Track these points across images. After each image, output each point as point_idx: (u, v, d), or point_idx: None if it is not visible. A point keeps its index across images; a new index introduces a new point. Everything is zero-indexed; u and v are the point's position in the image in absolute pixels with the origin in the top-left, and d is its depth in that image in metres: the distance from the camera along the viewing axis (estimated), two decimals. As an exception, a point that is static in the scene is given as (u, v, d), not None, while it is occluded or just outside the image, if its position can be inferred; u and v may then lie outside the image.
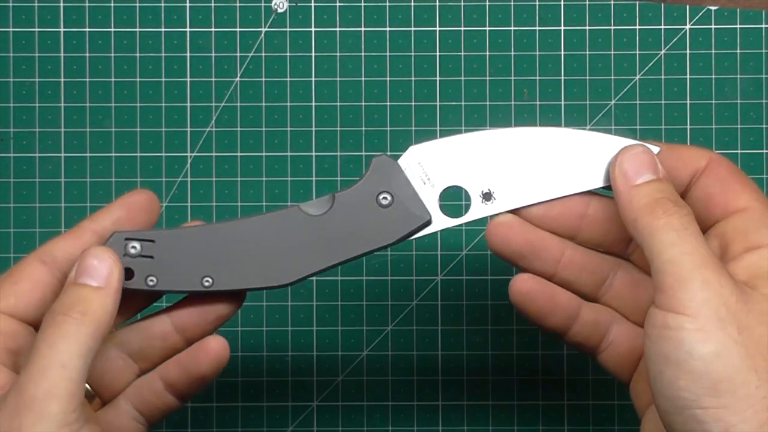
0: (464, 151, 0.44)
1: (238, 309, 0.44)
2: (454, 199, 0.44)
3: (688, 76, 0.56)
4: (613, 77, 0.56)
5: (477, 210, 0.44)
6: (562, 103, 0.56)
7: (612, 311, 0.45)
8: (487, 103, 0.56)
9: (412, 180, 0.43)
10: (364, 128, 0.56)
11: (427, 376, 0.56)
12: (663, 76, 0.56)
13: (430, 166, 0.43)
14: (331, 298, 0.56)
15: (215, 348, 0.43)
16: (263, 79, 0.56)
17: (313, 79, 0.56)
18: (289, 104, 0.56)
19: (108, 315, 0.40)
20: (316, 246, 0.43)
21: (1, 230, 0.56)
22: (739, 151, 0.56)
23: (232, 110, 0.56)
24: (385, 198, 0.43)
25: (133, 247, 0.42)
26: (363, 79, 0.56)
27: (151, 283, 0.42)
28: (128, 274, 0.42)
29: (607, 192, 0.43)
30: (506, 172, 0.44)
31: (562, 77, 0.56)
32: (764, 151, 0.56)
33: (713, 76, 0.56)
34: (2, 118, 0.56)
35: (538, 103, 0.56)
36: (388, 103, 0.56)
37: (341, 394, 0.56)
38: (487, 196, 0.44)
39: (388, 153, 0.54)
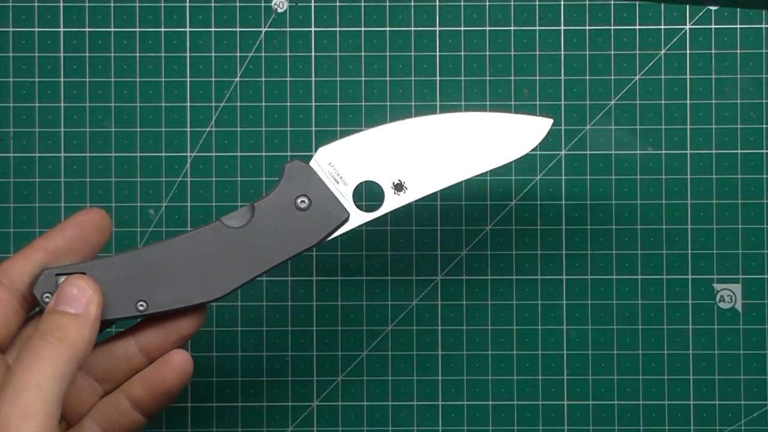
0: (371, 146, 0.45)
1: (200, 325, 0.45)
2: (368, 193, 0.45)
3: (688, 76, 0.56)
4: (613, 77, 0.56)
5: (390, 201, 0.45)
6: (562, 103, 0.56)
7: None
8: (487, 103, 0.56)
9: (325, 180, 0.45)
10: (364, 128, 0.56)
11: (427, 376, 0.56)
12: (663, 76, 0.56)
13: (341, 164, 0.45)
14: (331, 298, 0.56)
15: (179, 362, 0.44)
16: (263, 79, 0.56)
17: (313, 79, 0.56)
18: (289, 104, 0.56)
19: (85, 342, 0.40)
20: (242, 257, 0.44)
21: (1, 230, 0.56)
22: (739, 151, 0.56)
23: (232, 110, 0.56)
24: (302, 201, 0.44)
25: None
26: (363, 79, 0.56)
27: None
28: None
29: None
30: (414, 162, 0.45)
31: (562, 77, 0.56)
32: (764, 151, 0.56)
33: (713, 76, 0.56)
34: (2, 118, 0.56)
35: (538, 103, 0.56)
36: (388, 103, 0.56)
37: (341, 394, 0.56)
38: (398, 187, 0.45)
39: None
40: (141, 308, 0.43)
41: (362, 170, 0.45)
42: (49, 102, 0.56)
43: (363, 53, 0.56)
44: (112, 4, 0.56)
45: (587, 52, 0.56)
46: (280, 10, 0.56)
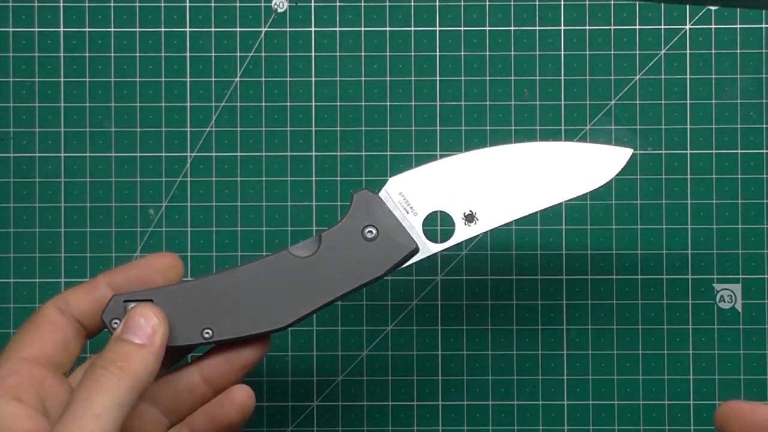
0: (442, 176, 0.45)
1: (263, 354, 0.45)
2: (438, 224, 0.45)
3: (688, 76, 0.56)
4: (613, 77, 0.56)
5: (461, 232, 0.45)
6: (562, 103, 0.56)
7: None
8: (487, 103, 0.56)
9: (394, 210, 0.44)
10: (364, 128, 0.56)
11: (427, 376, 0.56)
12: (663, 76, 0.56)
13: (411, 194, 0.44)
14: (331, 298, 0.56)
15: (241, 397, 0.44)
16: (263, 79, 0.56)
17: (313, 79, 0.56)
18: (289, 104, 0.56)
19: (148, 372, 0.40)
20: (308, 287, 0.44)
21: (1, 230, 0.56)
22: (739, 151, 0.56)
23: (232, 110, 0.56)
24: (370, 231, 0.44)
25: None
26: (363, 79, 0.56)
27: None
28: None
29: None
30: (486, 192, 0.44)
31: (562, 77, 0.56)
32: (764, 151, 0.56)
33: (713, 76, 0.56)
34: (2, 118, 0.56)
35: (538, 103, 0.56)
36: (388, 103, 0.56)
37: (341, 394, 0.56)
38: (469, 218, 0.45)
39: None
40: (207, 335, 0.44)
41: (433, 200, 0.44)
42: (49, 102, 0.56)
43: (363, 53, 0.56)
44: (112, 4, 0.56)
45: (587, 52, 0.56)
46: (280, 10, 0.56)
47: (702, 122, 0.56)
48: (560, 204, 0.55)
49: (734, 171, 0.56)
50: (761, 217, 0.56)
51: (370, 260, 0.44)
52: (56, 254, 0.56)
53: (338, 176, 0.56)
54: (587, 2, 0.56)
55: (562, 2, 0.56)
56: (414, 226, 0.44)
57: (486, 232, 0.45)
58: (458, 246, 0.55)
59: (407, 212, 0.44)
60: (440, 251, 0.45)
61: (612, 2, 0.56)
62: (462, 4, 0.56)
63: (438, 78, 0.56)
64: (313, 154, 0.56)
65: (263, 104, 0.56)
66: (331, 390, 0.56)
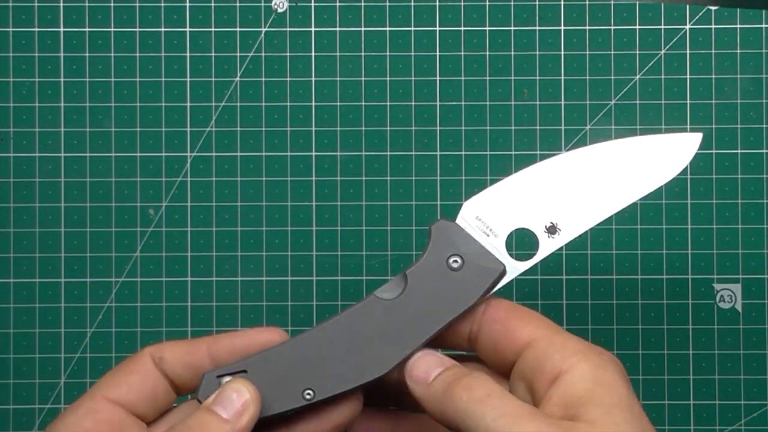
0: (516, 193, 0.44)
1: (358, 411, 0.44)
2: (521, 240, 0.44)
3: (688, 76, 0.56)
4: (613, 77, 0.56)
5: (546, 246, 0.44)
6: (562, 103, 0.56)
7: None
8: (487, 103, 0.56)
9: (475, 235, 0.43)
10: (364, 128, 0.56)
11: None
12: (663, 76, 0.56)
13: (488, 216, 0.43)
14: (331, 298, 0.56)
15: None
16: (263, 79, 0.56)
17: (313, 79, 0.56)
18: (289, 104, 0.56)
19: None
20: (402, 328, 0.43)
21: (1, 230, 0.56)
22: (739, 151, 0.56)
23: (232, 110, 0.56)
24: (455, 261, 0.43)
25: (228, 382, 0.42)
26: (363, 79, 0.56)
27: None
28: None
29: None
30: (564, 201, 0.43)
31: (562, 77, 0.56)
32: (764, 151, 0.56)
33: (713, 76, 0.56)
34: (2, 118, 0.56)
35: (538, 103, 0.56)
36: (388, 103, 0.56)
37: (341, 394, 0.56)
38: (552, 230, 0.44)
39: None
40: (308, 397, 0.42)
41: (512, 219, 0.43)
42: (49, 102, 0.56)
43: (363, 53, 0.56)
44: (112, 4, 0.56)
45: (587, 52, 0.56)
46: (280, 10, 0.56)
47: (702, 122, 0.56)
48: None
49: (734, 171, 0.56)
50: (761, 217, 0.56)
51: (460, 290, 0.43)
52: (56, 254, 0.56)
53: (338, 176, 0.56)
54: (587, 2, 0.56)
55: (562, 2, 0.56)
56: (497, 247, 0.43)
57: (570, 241, 0.44)
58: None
59: (487, 235, 0.43)
60: (528, 268, 0.44)
61: (612, 2, 0.56)
62: (462, 4, 0.56)
63: (438, 78, 0.56)
64: (313, 154, 0.56)
65: (263, 104, 0.56)
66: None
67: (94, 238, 0.56)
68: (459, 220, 0.43)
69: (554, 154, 0.56)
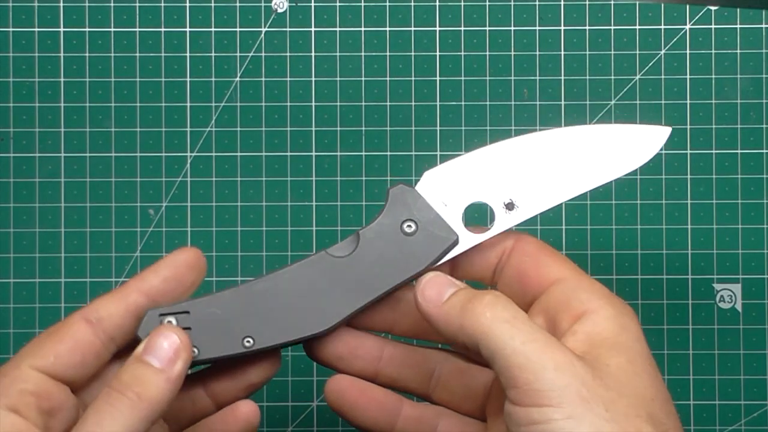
0: (478, 167, 0.44)
1: (273, 374, 0.44)
2: (477, 214, 0.44)
3: (688, 76, 0.56)
4: (613, 77, 0.56)
5: (502, 221, 0.44)
6: (562, 103, 0.56)
7: (437, 408, 0.45)
8: (487, 103, 0.56)
9: (432, 203, 0.43)
10: (364, 128, 0.56)
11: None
12: (663, 76, 0.56)
13: (447, 187, 0.43)
14: (331, 298, 0.56)
15: (246, 413, 0.43)
16: (263, 79, 0.56)
17: (313, 79, 0.56)
18: (289, 104, 0.56)
19: (164, 401, 0.39)
20: (349, 287, 0.43)
21: (1, 230, 0.56)
22: (739, 151, 0.56)
23: (232, 110, 0.56)
24: (409, 226, 0.43)
25: (169, 322, 0.42)
26: (363, 79, 0.56)
27: (193, 354, 0.42)
28: None
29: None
30: (524, 180, 0.44)
31: (562, 77, 0.56)
32: (764, 151, 0.56)
33: (713, 76, 0.56)
34: (2, 118, 0.56)
35: (538, 103, 0.56)
36: (388, 103, 0.56)
37: (341, 394, 0.56)
38: (509, 206, 0.44)
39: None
40: (247, 344, 0.42)
41: (470, 192, 0.43)
42: (49, 102, 0.56)
43: (363, 53, 0.56)
44: (112, 4, 0.56)
45: (587, 52, 0.56)
46: (280, 10, 0.56)
47: (702, 122, 0.56)
48: (560, 204, 0.55)
49: (734, 171, 0.56)
50: (761, 217, 0.56)
51: (411, 255, 0.43)
52: (56, 254, 0.56)
53: (338, 176, 0.56)
54: (587, 2, 0.56)
55: (562, 2, 0.56)
56: (453, 217, 0.43)
57: (527, 219, 0.44)
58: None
59: (445, 205, 0.43)
60: (481, 242, 0.44)
61: (612, 2, 0.56)
62: (462, 4, 0.56)
63: (438, 78, 0.56)
64: (313, 154, 0.56)
65: (263, 104, 0.56)
66: (331, 390, 0.56)
67: (94, 238, 0.56)
68: (418, 187, 0.43)
69: (554, 154, 0.56)
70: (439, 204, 0.43)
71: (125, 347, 0.42)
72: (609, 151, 0.43)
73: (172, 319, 0.42)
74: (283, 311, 0.43)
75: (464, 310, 0.39)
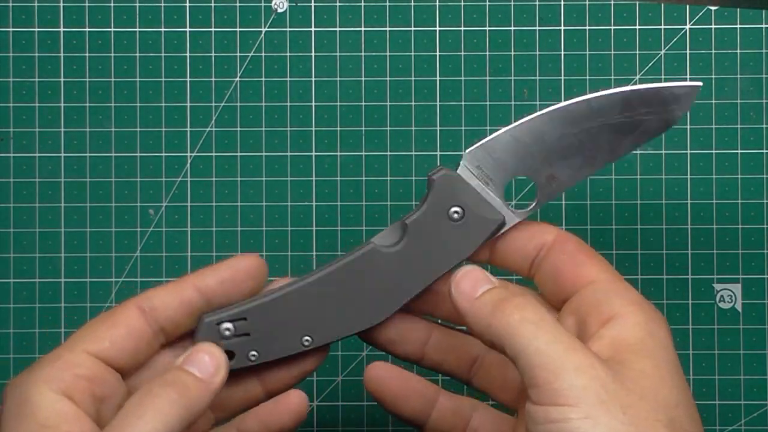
0: (516, 142, 0.43)
1: (323, 360, 0.44)
2: (519, 189, 0.44)
3: (688, 76, 0.56)
4: (613, 77, 0.56)
5: (544, 194, 0.44)
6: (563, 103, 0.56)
7: (472, 400, 0.46)
8: (487, 103, 0.56)
9: (475, 185, 0.43)
10: (364, 128, 0.56)
11: (427, 375, 0.56)
12: (663, 76, 0.56)
13: (488, 165, 0.43)
14: (331, 298, 0.56)
15: (297, 403, 0.44)
16: (263, 79, 0.56)
17: (313, 79, 0.56)
18: (289, 104, 0.56)
19: (202, 407, 0.40)
20: (401, 278, 0.43)
21: (1, 230, 0.56)
22: (739, 151, 0.56)
23: (232, 110, 0.56)
24: (456, 212, 0.43)
25: (227, 329, 0.42)
26: (363, 79, 0.56)
27: (253, 358, 0.43)
28: (229, 355, 0.42)
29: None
30: (564, 151, 0.43)
31: (562, 77, 0.56)
32: (764, 151, 0.56)
33: (713, 76, 0.56)
34: (2, 118, 0.56)
35: (538, 103, 0.56)
36: (388, 103, 0.56)
37: (341, 394, 0.56)
38: (550, 178, 0.43)
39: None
40: (306, 343, 0.43)
41: (511, 168, 0.43)
42: (49, 102, 0.56)
43: (363, 53, 0.56)
44: (112, 4, 0.56)
45: (587, 52, 0.56)
46: (280, 10, 0.56)
47: (702, 122, 0.56)
48: (560, 204, 0.55)
49: (734, 171, 0.56)
50: (761, 217, 0.56)
51: (459, 240, 0.43)
52: (56, 254, 0.56)
53: (338, 176, 0.56)
54: (587, 2, 0.56)
55: (562, 2, 0.56)
56: (496, 196, 0.43)
57: (566, 189, 0.44)
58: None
59: (487, 184, 0.43)
60: (525, 218, 0.43)
61: (612, 2, 0.56)
62: (462, 4, 0.56)
63: (438, 78, 0.56)
64: (313, 154, 0.56)
65: (263, 104, 0.56)
66: (331, 390, 0.56)
67: (94, 238, 0.56)
68: (460, 170, 0.43)
69: (554, 154, 0.56)
70: (481, 184, 0.43)
71: (173, 339, 0.43)
72: (641, 115, 0.43)
73: (230, 325, 0.42)
74: (339, 307, 0.43)
75: (495, 308, 0.40)
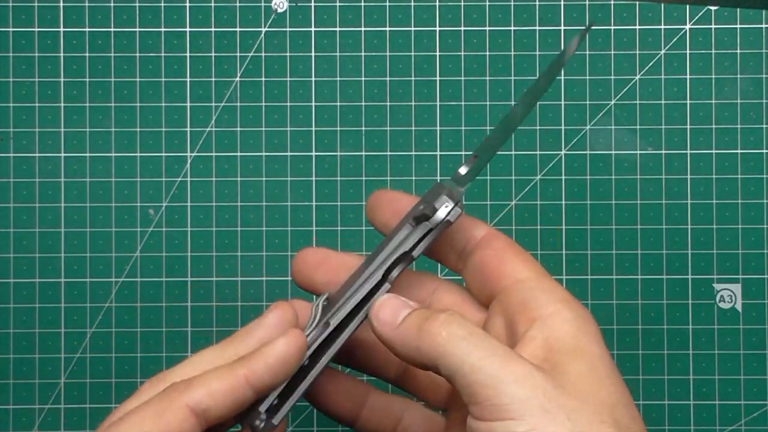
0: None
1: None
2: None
3: (688, 76, 0.56)
4: (613, 77, 0.56)
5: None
6: (562, 103, 0.56)
7: (404, 399, 0.45)
8: (487, 103, 0.56)
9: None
10: (364, 128, 0.56)
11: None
12: (663, 76, 0.56)
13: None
14: (331, 298, 0.56)
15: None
16: (263, 79, 0.56)
17: (313, 79, 0.56)
18: (289, 104, 0.56)
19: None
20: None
21: (1, 230, 0.56)
22: (739, 151, 0.56)
23: (232, 110, 0.56)
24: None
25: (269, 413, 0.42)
26: (363, 79, 0.56)
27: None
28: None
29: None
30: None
31: (562, 77, 0.56)
32: (764, 151, 0.56)
33: (713, 76, 0.56)
34: (2, 118, 0.56)
35: (538, 102, 0.56)
36: (388, 103, 0.56)
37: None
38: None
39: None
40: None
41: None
42: (49, 102, 0.56)
43: (363, 53, 0.56)
44: (112, 4, 0.56)
45: (587, 52, 0.56)
46: (280, 10, 0.56)
47: (702, 122, 0.56)
48: (560, 204, 0.55)
49: (734, 171, 0.56)
50: (761, 217, 0.56)
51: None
52: (56, 254, 0.56)
53: (338, 176, 0.56)
54: (587, 2, 0.56)
55: (562, 2, 0.56)
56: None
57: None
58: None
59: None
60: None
61: (612, 2, 0.56)
62: (462, 4, 0.56)
63: (438, 78, 0.56)
64: (313, 154, 0.56)
65: (263, 104, 0.56)
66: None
67: (94, 238, 0.56)
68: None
69: (555, 154, 0.56)
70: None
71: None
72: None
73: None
74: None
75: (420, 330, 0.39)
